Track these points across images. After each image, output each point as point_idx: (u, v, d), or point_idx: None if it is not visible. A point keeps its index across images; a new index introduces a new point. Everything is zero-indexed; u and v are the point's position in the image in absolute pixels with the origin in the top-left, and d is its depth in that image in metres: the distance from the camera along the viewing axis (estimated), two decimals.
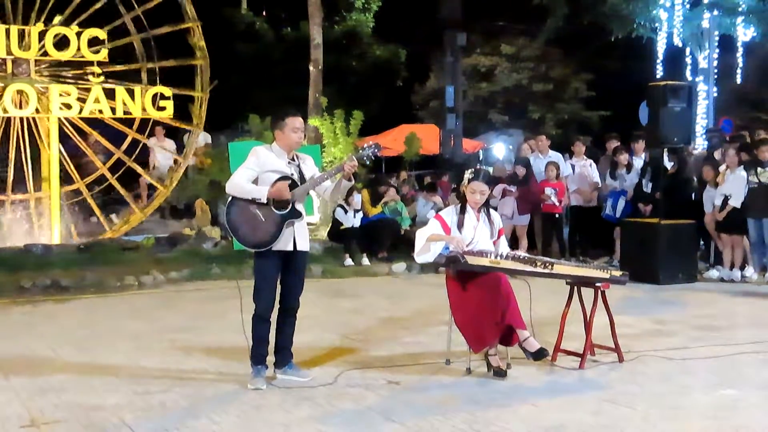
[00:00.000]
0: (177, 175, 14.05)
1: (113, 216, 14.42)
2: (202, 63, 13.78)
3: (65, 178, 13.35)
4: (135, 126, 13.74)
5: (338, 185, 5.79)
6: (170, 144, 15.70)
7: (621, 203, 11.74)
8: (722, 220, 10.68)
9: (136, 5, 13.40)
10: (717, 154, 11.82)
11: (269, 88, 23.66)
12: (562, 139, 21.50)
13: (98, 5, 13.09)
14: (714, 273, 10.87)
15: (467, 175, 6.17)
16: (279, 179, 5.63)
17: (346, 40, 25.62)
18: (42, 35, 12.33)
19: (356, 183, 12.66)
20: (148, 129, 14.17)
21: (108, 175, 13.69)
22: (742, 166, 10.59)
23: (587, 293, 6.38)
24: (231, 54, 23.64)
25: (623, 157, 11.97)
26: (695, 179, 11.69)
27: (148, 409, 5.19)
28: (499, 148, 23.75)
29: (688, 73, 19.82)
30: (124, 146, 13.88)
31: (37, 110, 12.43)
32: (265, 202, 5.56)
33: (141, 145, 14.30)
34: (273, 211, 5.61)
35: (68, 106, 12.53)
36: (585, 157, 12.64)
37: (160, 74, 13.58)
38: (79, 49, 12.46)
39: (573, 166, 12.56)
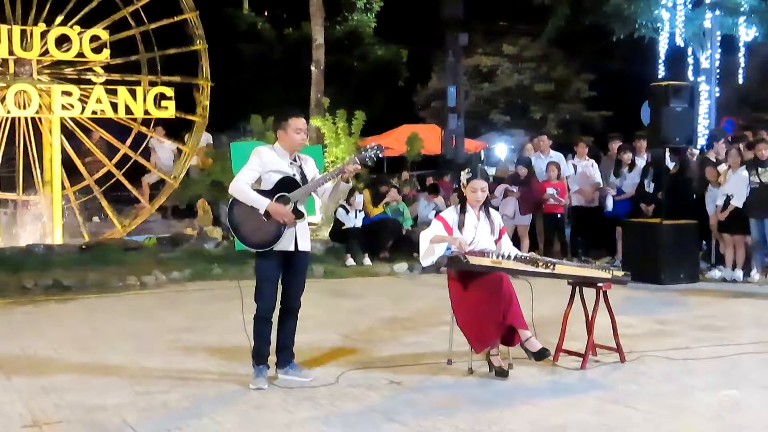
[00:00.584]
0: (184, 166, 14.06)
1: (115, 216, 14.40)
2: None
3: (74, 176, 13.38)
4: (132, 134, 13.79)
5: (336, 187, 5.79)
6: (171, 144, 15.73)
7: (609, 199, 11.83)
8: (724, 220, 10.67)
9: (146, 20, 13.46)
10: (711, 155, 11.79)
11: (271, 89, 23.69)
12: (563, 140, 21.50)
13: (109, 19, 13.16)
14: (716, 273, 10.85)
15: (465, 174, 6.19)
16: (281, 180, 5.63)
17: (347, 40, 25.64)
18: (44, 35, 12.33)
19: (357, 183, 12.69)
20: (146, 138, 14.19)
21: (115, 171, 13.70)
22: (744, 166, 10.59)
23: (589, 293, 6.38)
24: (233, 54, 23.65)
25: (627, 156, 11.99)
26: (697, 179, 11.68)
27: (150, 409, 5.19)
28: (501, 149, 23.78)
29: (690, 73, 19.81)
30: (129, 141, 13.89)
31: (39, 110, 12.43)
32: (262, 213, 5.56)
33: (143, 146, 14.29)
34: None
35: (70, 106, 12.53)
36: (588, 158, 12.65)
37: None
38: (81, 49, 12.47)
39: (575, 166, 12.56)
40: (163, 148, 15.37)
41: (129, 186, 13.88)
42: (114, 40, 13.05)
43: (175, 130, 15.25)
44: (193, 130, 14.03)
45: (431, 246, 6.04)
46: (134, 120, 13.50)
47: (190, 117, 13.94)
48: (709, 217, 10.99)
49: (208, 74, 13.78)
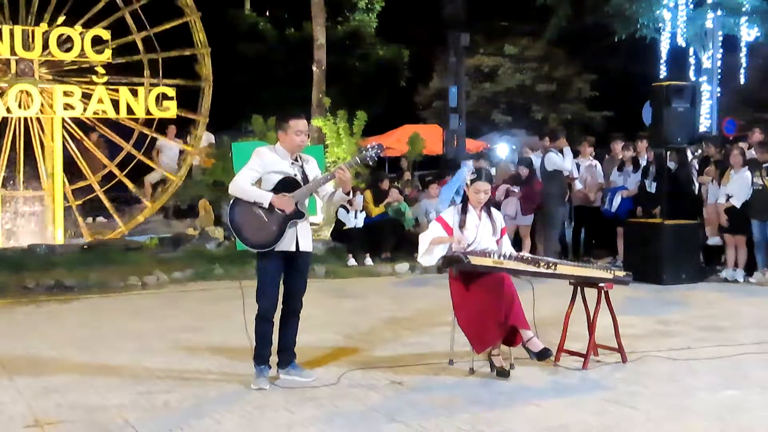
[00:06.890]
0: (187, 164, 14.06)
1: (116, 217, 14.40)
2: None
3: (76, 175, 13.39)
4: (135, 135, 13.79)
5: (332, 196, 5.82)
6: (178, 145, 15.76)
7: (617, 199, 11.76)
8: (725, 221, 10.63)
9: (147, 25, 13.46)
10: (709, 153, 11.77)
11: (272, 89, 23.69)
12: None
13: (109, 19, 13.15)
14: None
15: (469, 175, 6.19)
16: (281, 180, 5.64)
17: (349, 41, 25.63)
18: (46, 36, 12.34)
19: (359, 183, 12.67)
20: (148, 137, 14.19)
21: (116, 171, 13.71)
22: (746, 167, 10.57)
23: (591, 293, 6.37)
24: (234, 54, 23.66)
25: (628, 153, 11.99)
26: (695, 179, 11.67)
27: (152, 410, 5.19)
28: (503, 149, 23.75)
29: (691, 73, 19.82)
30: (132, 141, 13.88)
31: (41, 110, 12.44)
32: (267, 207, 5.57)
33: (145, 145, 14.29)
34: (276, 212, 5.61)
35: (72, 107, 12.54)
36: (591, 158, 12.63)
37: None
38: (82, 49, 12.48)
39: (578, 165, 12.54)
40: (171, 148, 15.38)
41: (130, 185, 13.85)
42: (116, 44, 13.06)
43: (180, 131, 15.26)
44: (197, 127, 14.03)
45: (430, 247, 6.05)
46: (136, 121, 13.49)
47: (192, 116, 13.93)
48: (704, 215, 10.96)
49: (210, 75, 13.76)
